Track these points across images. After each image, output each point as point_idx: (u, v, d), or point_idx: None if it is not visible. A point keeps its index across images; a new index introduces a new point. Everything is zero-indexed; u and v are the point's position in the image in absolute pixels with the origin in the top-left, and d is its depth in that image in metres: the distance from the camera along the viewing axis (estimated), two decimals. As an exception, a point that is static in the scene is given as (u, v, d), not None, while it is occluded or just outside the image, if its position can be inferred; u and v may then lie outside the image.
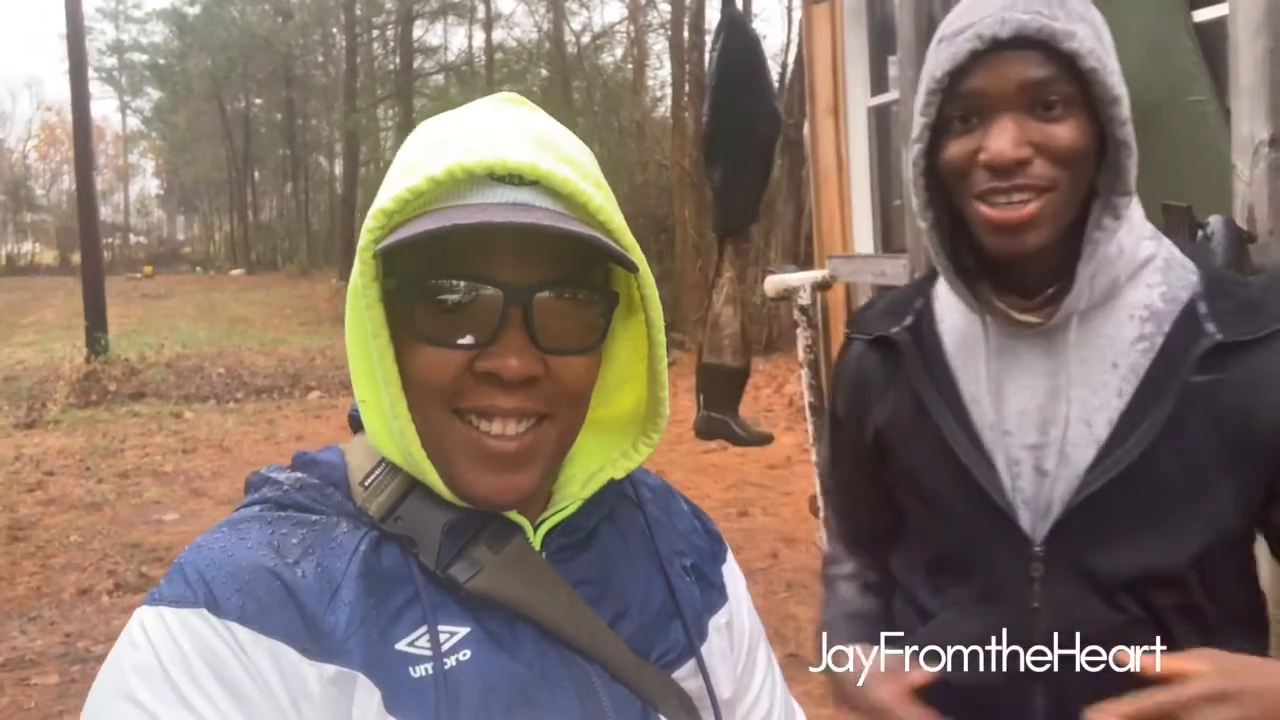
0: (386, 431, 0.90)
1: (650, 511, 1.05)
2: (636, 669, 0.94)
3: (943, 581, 1.37)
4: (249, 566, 0.83)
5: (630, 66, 21.96)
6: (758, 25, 19.98)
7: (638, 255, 0.89)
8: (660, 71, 22.15)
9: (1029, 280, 1.27)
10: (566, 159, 0.89)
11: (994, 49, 1.18)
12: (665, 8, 18.96)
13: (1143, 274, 1.26)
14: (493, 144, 0.86)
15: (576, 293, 0.89)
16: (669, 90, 18.86)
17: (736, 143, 5.76)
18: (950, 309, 1.37)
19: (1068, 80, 1.17)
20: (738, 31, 5.90)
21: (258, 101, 46.79)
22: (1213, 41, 3.07)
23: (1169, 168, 3.02)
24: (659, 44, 21.18)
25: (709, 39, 9.04)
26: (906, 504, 1.40)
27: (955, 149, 1.23)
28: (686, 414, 8.08)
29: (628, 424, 1.02)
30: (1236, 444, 1.20)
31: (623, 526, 1.02)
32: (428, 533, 0.89)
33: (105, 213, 59.74)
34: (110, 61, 51.96)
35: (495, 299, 0.85)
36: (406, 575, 0.87)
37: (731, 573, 1.12)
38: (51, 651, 5.11)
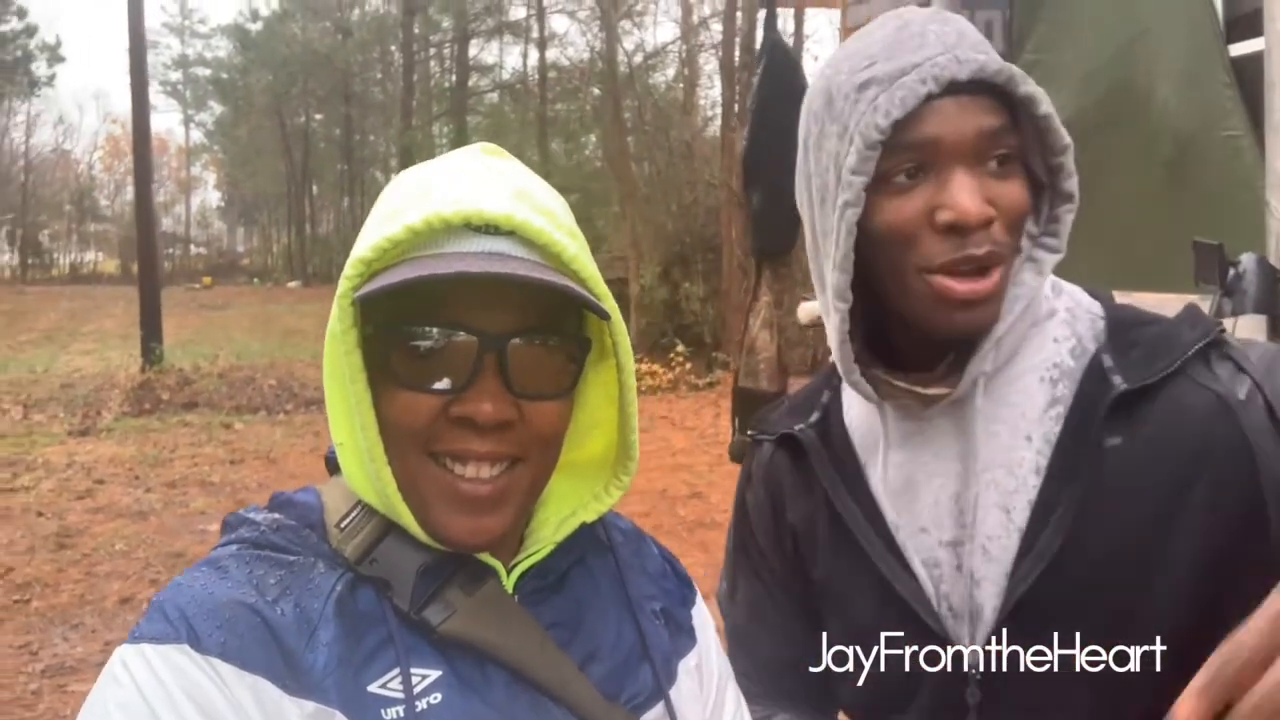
0: (363, 474, 0.92)
1: (621, 555, 1.07)
2: (606, 712, 0.95)
3: (877, 717, 1.18)
4: (229, 603, 0.84)
5: (681, 86, 22.06)
6: (810, 47, 19.92)
7: (609, 303, 0.92)
8: (711, 91, 22.18)
9: (925, 353, 1.10)
10: (542, 210, 0.92)
11: (948, 93, 1.01)
12: (718, 29, 19.00)
13: (1047, 327, 1.11)
14: (470, 195, 0.89)
15: (549, 339, 0.92)
16: (719, 110, 18.89)
17: (776, 166, 5.73)
18: (857, 400, 1.20)
19: (1013, 131, 1.03)
20: (779, 55, 5.90)
21: (317, 117, 47.58)
22: (1249, 76, 3.01)
23: (1202, 202, 2.97)
24: (710, 64, 21.28)
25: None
26: (829, 628, 1.19)
27: (896, 210, 1.03)
28: (728, 436, 8.08)
29: (599, 467, 1.05)
30: (1168, 499, 1.02)
31: (594, 570, 1.04)
32: (402, 575, 0.91)
33: (167, 224, 61.10)
34: (175, 76, 53.19)
35: (470, 345, 0.87)
36: (380, 617, 0.89)
37: (701, 616, 1.13)
38: (91, 659, 5.21)
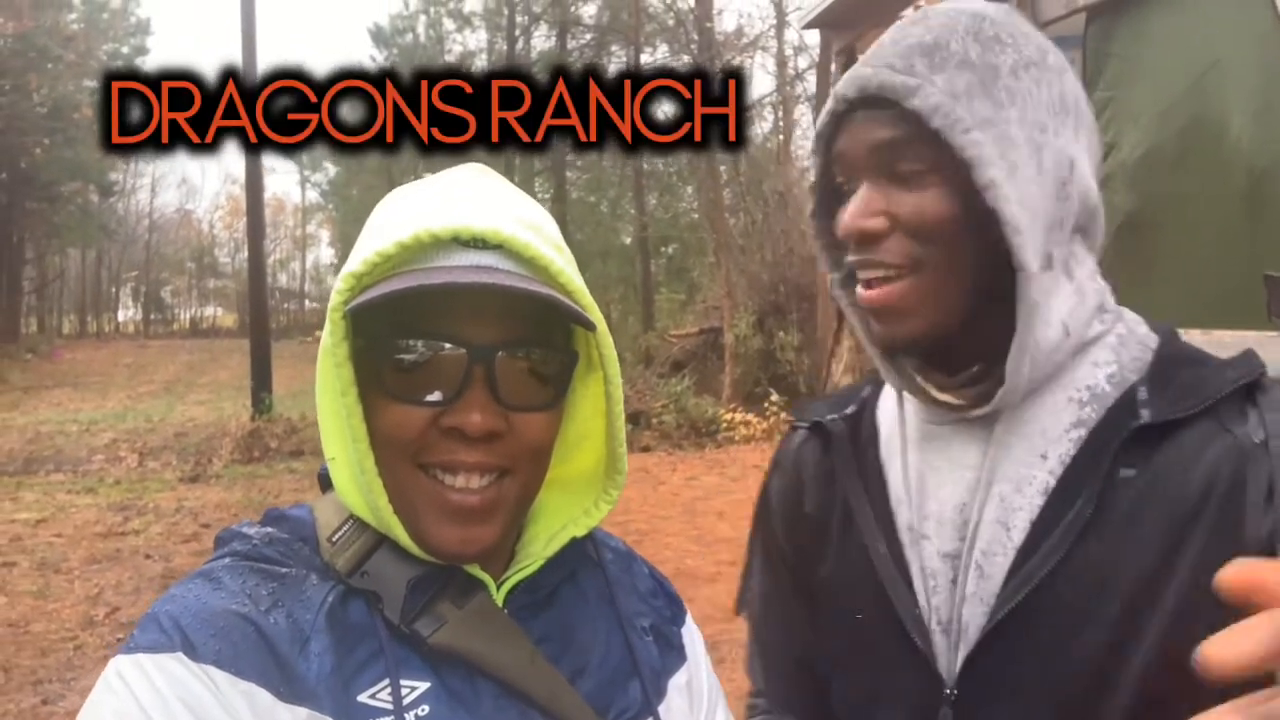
0: (355, 487, 0.93)
1: (611, 573, 1.07)
2: None
3: None
4: (223, 612, 0.85)
5: (778, 137, 22.14)
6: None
7: (596, 315, 0.93)
8: (807, 142, 22.18)
9: (952, 356, 1.09)
10: (529, 224, 0.93)
11: (849, 109, 1.04)
12: (813, 79, 19.04)
13: (1090, 352, 1.06)
14: (458, 210, 0.90)
15: (536, 351, 0.93)
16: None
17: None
18: (890, 396, 1.19)
19: (926, 141, 0.99)
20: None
21: (425, 175, 48.73)
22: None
23: (1277, 236, 2.88)
24: (806, 116, 21.32)
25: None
26: (821, 629, 1.19)
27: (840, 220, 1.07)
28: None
29: (588, 482, 1.05)
30: (1166, 541, 0.97)
31: (584, 586, 1.04)
32: (393, 588, 0.91)
33: (282, 280, 63.03)
34: (292, 138, 55.19)
35: (459, 357, 0.89)
36: (371, 629, 0.90)
37: (690, 634, 1.13)
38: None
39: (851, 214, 1.02)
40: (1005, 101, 1.00)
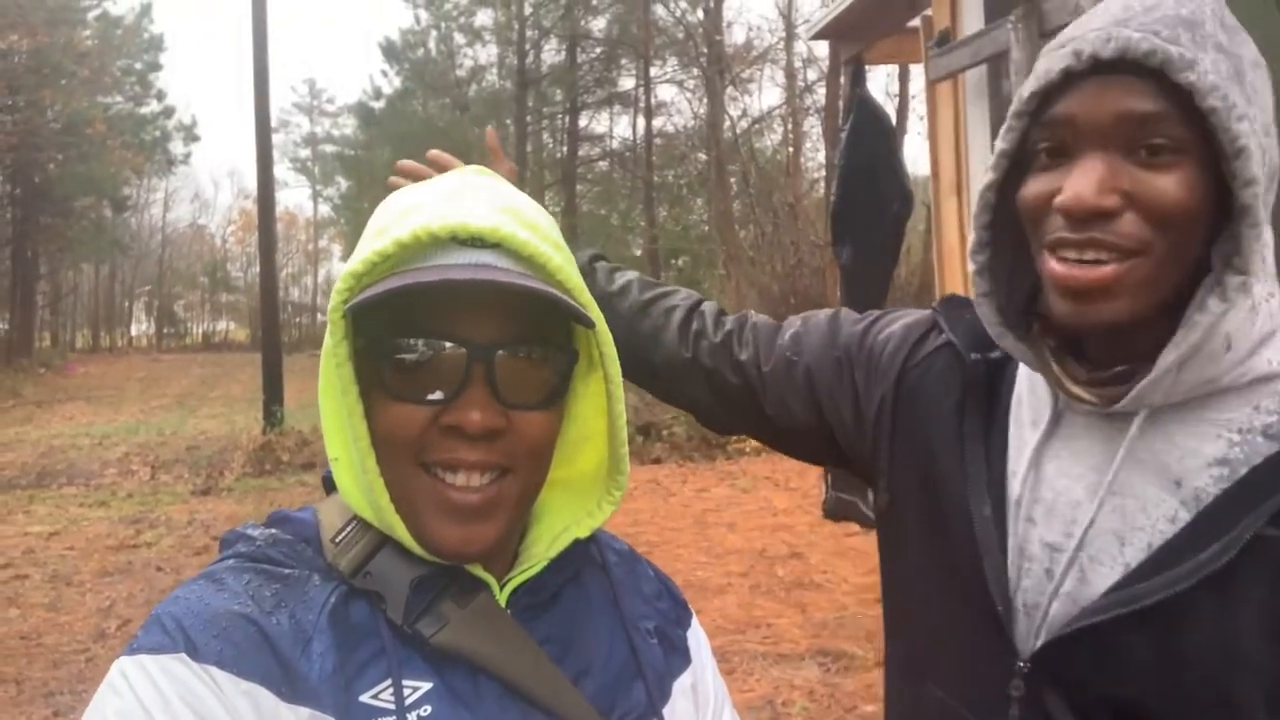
0: (357, 487, 0.94)
1: (615, 574, 1.07)
2: None
3: (913, 677, 1.19)
4: (226, 614, 0.86)
5: (787, 149, 22.13)
6: (915, 106, 19.78)
7: (595, 313, 0.93)
8: (817, 154, 22.20)
9: (1102, 350, 1.04)
10: (528, 223, 0.93)
11: (1093, 70, 0.95)
12: (823, 92, 19.06)
13: (1257, 392, 0.99)
14: (457, 210, 0.91)
15: (536, 350, 0.93)
16: (824, 172, 18.86)
17: (865, 222, 5.74)
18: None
19: (1183, 122, 0.93)
20: (866, 111, 5.92)
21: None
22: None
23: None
24: (815, 127, 21.34)
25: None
26: (897, 558, 1.23)
27: (1033, 187, 1.01)
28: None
29: (591, 483, 1.05)
30: None
31: (588, 588, 1.04)
32: (396, 588, 0.91)
33: (295, 294, 63.16)
34: (304, 153, 55.46)
35: (459, 356, 0.89)
36: (374, 629, 0.90)
37: (696, 637, 1.12)
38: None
39: (1083, 186, 0.95)
40: (1252, 97, 0.96)
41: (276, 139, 28.83)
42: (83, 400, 24.22)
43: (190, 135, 43.90)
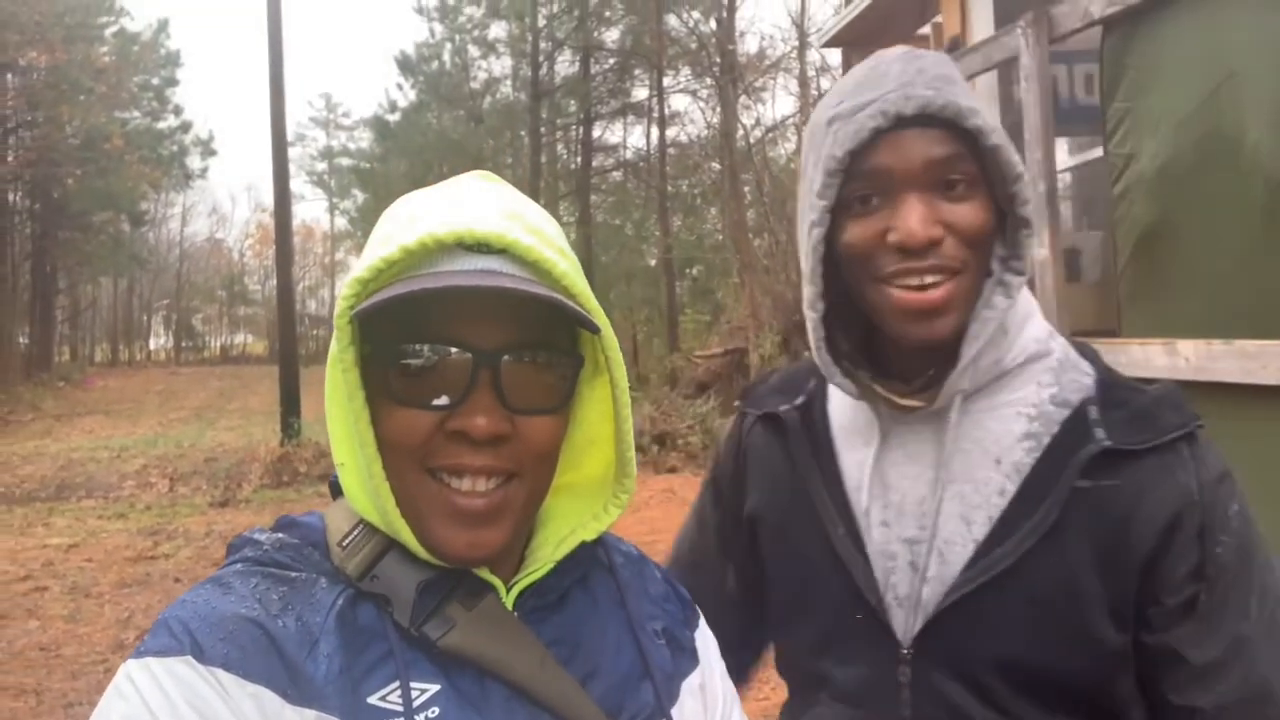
0: (364, 492, 0.94)
1: (622, 576, 1.07)
2: None
3: (810, 681, 1.30)
4: (232, 617, 0.86)
5: (800, 158, 22.10)
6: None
7: (601, 318, 0.93)
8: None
9: (909, 363, 1.21)
10: (532, 229, 0.93)
11: (897, 126, 1.12)
12: (836, 100, 19.04)
13: (1033, 369, 1.21)
14: (462, 215, 0.91)
15: (541, 355, 0.93)
16: (838, 180, 18.85)
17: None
18: (840, 392, 1.30)
19: (971, 158, 1.13)
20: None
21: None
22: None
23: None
24: (829, 136, 21.26)
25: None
26: (773, 595, 1.34)
27: (858, 230, 1.16)
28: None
29: (598, 487, 1.05)
30: (1109, 554, 1.13)
31: (595, 590, 1.04)
32: (403, 591, 0.92)
33: (312, 306, 63.37)
34: (321, 166, 55.74)
35: (465, 361, 0.89)
36: (381, 632, 0.90)
37: (704, 638, 1.13)
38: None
39: (914, 222, 1.11)
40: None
41: (293, 152, 29.04)
42: (101, 414, 24.39)
43: (207, 150, 44.25)
